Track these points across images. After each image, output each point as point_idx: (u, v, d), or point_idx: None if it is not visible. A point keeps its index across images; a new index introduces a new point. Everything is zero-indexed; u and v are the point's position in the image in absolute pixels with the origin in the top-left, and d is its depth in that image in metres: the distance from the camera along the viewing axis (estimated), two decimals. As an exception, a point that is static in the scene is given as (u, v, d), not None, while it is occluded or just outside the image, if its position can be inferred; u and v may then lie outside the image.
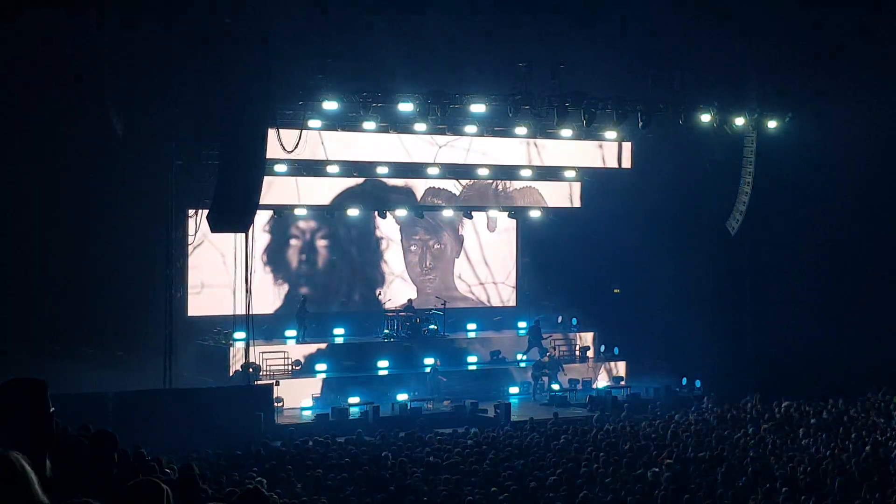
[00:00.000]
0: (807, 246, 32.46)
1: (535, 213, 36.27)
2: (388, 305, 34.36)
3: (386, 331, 32.96)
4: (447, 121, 28.45)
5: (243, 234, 27.72)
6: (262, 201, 27.10)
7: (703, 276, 32.70)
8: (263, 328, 30.81)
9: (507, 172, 33.99)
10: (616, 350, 33.89)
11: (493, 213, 36.04)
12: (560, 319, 34.45)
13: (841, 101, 29.37)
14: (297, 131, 28.26)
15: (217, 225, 26.03)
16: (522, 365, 32.65)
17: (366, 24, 26.17)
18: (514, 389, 31.91)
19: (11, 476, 3.43)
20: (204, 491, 7.06)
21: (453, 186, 34.36)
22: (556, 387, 30.95)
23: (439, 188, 34.15)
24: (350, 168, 31.49)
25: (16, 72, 23.18)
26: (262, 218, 28.82)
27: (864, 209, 32.71)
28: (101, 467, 5.75)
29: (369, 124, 28.03)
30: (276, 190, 30.68)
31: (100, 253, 26.46)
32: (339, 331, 32.47)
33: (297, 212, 32.62)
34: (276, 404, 26.93)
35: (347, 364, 30.89)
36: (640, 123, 29.47)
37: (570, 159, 33.89)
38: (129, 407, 22.85)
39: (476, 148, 32.17)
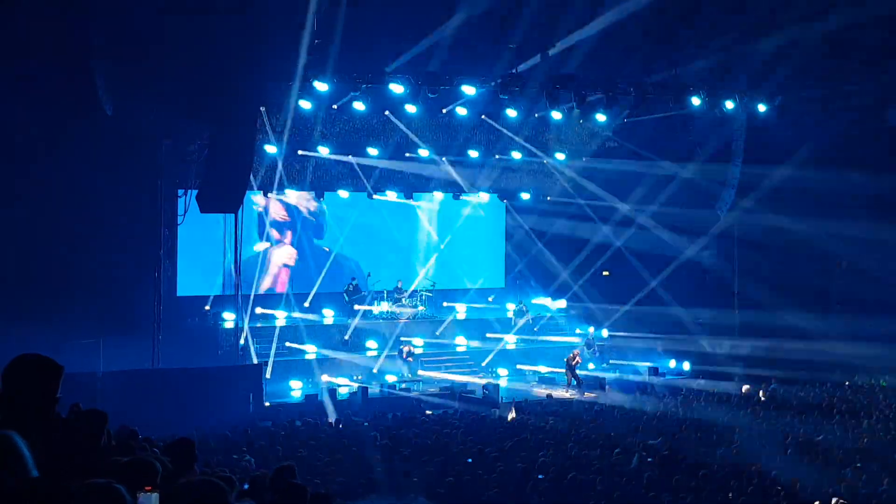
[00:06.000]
0: (794, 231, 32.54)
1: (524, 195, 36.36)
2: (377, 286, 34.41)
3: (376, 311, 33.12)
4: (437, 102, 28.34)
5: (233, 214, 27.71)
6: (251, 181, 27.10)
7: (691, 258, 32.78)
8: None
9: (496, 154, 33.93)
10: (606, 333, 34.01)
11: (482, 195, 36.11)
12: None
13: (826, 86, 29.36)
14: (288, 111, 28.29)
15: (207, 205, 25.98)
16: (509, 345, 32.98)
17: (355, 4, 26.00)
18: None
19: (9, 451, 3.49)
20: (193, 470, 7.09)
21: (442, 168, 34.34)
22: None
23: (428, 170, 34.08)
24: (339, 149, 31.45)
25: (4, 51, 23.02)
26: (251, 198, 28.76)
27: (849, 193, 32.78)
28: (92, 446, 5.76)
29: (359, 105, 27.87)
30: (264, 170, 30.73)
31: (88, 232, 26.35)
32: (328, 311, 32.50)
33: (287, 192, 32.63)
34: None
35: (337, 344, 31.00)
36: (630, 107, 29.51)
37: (559, 141, 33.90)
38: (117, 386, 22.82)
39: (466, 130, 32.16)
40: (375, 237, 35.13)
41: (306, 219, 34.31)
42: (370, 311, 33.12)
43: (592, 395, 28.37)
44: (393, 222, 35.14)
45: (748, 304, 32.66)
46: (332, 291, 33.48)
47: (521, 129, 32.24)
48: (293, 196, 33.47)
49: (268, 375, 27.38)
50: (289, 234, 34.02)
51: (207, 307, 30.44)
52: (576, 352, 30.33)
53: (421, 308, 33.58)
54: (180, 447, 7.44)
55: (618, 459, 16.68)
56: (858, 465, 16.20)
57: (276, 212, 33.65)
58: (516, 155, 33.92)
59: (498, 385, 28.29)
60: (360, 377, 29.45)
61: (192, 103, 25.70)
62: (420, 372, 30.26)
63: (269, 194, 32.47)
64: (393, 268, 34.95)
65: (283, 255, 34.04)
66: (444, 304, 34.66)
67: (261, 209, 32.94)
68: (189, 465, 7.11)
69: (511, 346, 33.00)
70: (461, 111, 29.16)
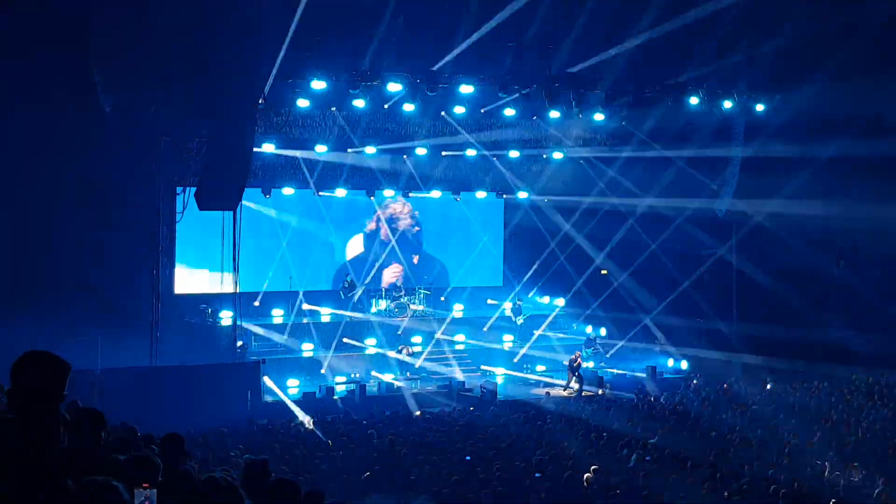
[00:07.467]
0: (793, 230, 32.52)
1: (522, 193, 36.33)
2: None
3: (374, 309, 33.09)
4: (435, 101, 28.26)
5: (231, 212, 27.67)
6: (250, 179, 27.05)
7: (689, 257, 32.75)
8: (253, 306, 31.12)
9: (494, 152, 33.88)
10: (604, 331, 34.02)
11: (480, 193, 36.13)
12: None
13: (826, 82, 29.28)
14: (285, 110, 28.27)
15: (205, 202, 25.94)
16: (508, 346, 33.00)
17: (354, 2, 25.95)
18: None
19: None
20: (192, 467, 7.08)
21: (440, 166, 34.30)
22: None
23: (426, 168, 34.09)
24: (337, 147, 31.40)
25: (3, 47, 22.99)
26: (249, 196, 28.69)
27: (850, 193, 32.76)
28: (90, 444, 5.78)
29: (358, 103, 27.77)
30: (263, 167, 30.71)
31: (86, 229, 26.35)
32: (325, 310, 32.47)
33: (285, 191, 32.58)
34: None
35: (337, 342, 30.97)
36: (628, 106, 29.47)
37: (557, 140, 33.82)
38: (116, 383, 22.82)
39: (464, 128, 32.11)
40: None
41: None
42: (367, 309, 33.13)
43: (590, 393, 28.38)
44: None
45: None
46: (328, 289, 33.58)
47: (519, 126, 32.17)
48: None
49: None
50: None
51: (204, 305, 30.44)
52: (577, 353, 30.28)
53: (420, 307, 33.57)
54: (168, 443, 7.44)
55: (615, 457, 16.70)
56: (855, 464, 16.22)
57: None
58: (514, 154, 33.89)
59: (496, 383, 28.31)
60: (357, 375, 29.46)
61: (191, 100, 25.66)
62: (418, 364, 30.43)
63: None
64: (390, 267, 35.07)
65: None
66: (442, 298, 34.72)
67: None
68: (179, 461, 7.11)
69: (508, 345, 32.99)
70: (459, 109, 29.12)
